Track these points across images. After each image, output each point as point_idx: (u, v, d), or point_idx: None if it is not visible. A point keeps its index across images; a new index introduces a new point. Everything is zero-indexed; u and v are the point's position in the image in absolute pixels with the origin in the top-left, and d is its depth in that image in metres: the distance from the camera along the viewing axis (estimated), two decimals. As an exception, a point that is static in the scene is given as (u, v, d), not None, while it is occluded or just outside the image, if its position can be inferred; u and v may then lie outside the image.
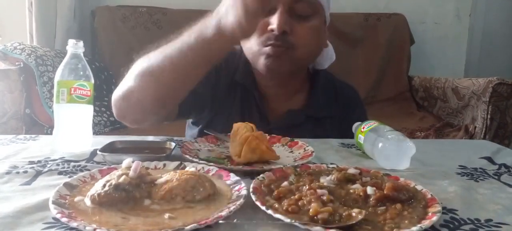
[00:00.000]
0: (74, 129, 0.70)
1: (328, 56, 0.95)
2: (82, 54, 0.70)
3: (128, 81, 0.74)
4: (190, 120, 0.97)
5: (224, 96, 0.90)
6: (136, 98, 0.72)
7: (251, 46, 0.86)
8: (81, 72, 0.69)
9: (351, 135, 0.86)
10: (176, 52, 0.67)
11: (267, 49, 0.82)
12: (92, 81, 0.71)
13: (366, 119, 0.85)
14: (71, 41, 0.69)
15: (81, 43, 0.70)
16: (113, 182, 0.46)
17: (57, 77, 0.68)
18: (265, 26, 0.81)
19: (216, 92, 0.90)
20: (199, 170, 0.57)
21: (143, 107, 0.74)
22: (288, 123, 0.89)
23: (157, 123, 0.82)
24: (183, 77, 0.69)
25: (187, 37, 0.66)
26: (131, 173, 0.48)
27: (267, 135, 0.68)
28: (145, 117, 0.78)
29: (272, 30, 0.80)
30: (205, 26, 0.64)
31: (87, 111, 0.70)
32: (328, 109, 0.93)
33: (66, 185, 0.49)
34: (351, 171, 0.55)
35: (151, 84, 0.70)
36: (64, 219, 0.41)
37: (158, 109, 0.75)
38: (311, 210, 0.43)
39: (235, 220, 0.43)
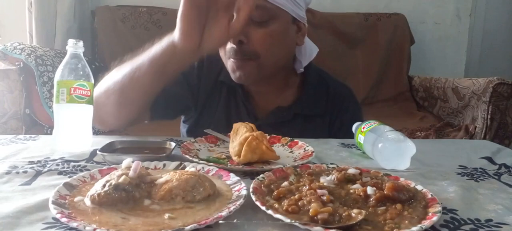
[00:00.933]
0: (74, 128, 0.70)
1: (307, 53, 0.93)
2: (82, 54, 0.70)
3: (97, 87, 0.80)
4: (182, 119, 0.99)
5: (208, 95, 0.91)
6: (102, 103, 0.78)
7: (222, 56, 0.88)
8: (81, 72, 0.69)
9: (343, 135, 0.88)
10: (137, 63, 0.74)
11: (231, 62, 0.84)
12: (92, 81, 0.71)
13: (361, 119, 0.86)
14: (71, 41, 0.69)
15: (81, 43, 0.70)
16: (113, 182, 0.46)
17: (57, 77, 0.68)
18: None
19: (199, 93, 0.91)
20: (199, 170, 0.57)
21: (107, 111, 0.79)
22: (276, 120, 0.89)
23: (127, 126, 0.87)
24: (140, 85, 0.75)
25: (148, 51, 0.73)
26: (131, 173, 0.48)
27: (267, 135, 0.68)
28: (111, 121, 0.82)
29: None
30: (162, 41, 0.71)
31: (87, 111, 0.70)
32: (318, 107, 0.93)
33: (66, 185, 0.49)
34: (351, 171, 0.54)
35: (113, 91, 0.78)
36: (64, 219, 0.41)
37: (119, 114, 0.80)
38: (311, 210, 0.43)
39: (235, 220, 0.43)
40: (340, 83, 1.01)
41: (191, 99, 0.92)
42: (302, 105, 0.91)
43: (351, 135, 0.85)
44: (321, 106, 0.93)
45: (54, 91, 0.69)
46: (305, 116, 0.91)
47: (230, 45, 0.82)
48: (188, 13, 0.65)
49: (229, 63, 0.85)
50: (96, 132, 0.80)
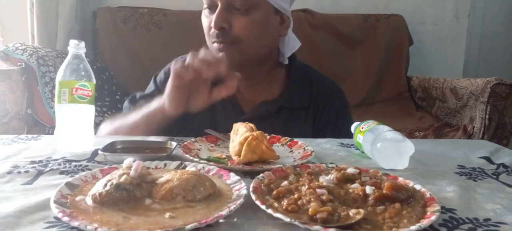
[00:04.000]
0: (75, 128, 0.71)
1: (290, 45, 0.97)
2: (83, 55, 0.70)
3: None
4: None
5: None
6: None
7: (207, 40, 0.92)
8: (83, 73, 0.69)
9: (330, 132, 0.91)
10: (133, 125, 0.86)
11: (214, 46, 0.88)
12: (94, 81, 0.71)
13: (348, 114, 0.91)
14: (73, 42, 0.69)
15: (82, 44, 0.70)
16: (114, 181, 0.47)
17: (59, 77, 0.69)
18: (210, 23, 0.87)
19: None
20: (199, 170, 0.58)
21: None
22: (262, 113, 0.91)
23: None
24: (147, 126, 0.84)
25: (140, 112, 0.85)
26: (132, 172, 0.48)
27: (266, 135, 0.69)
28: None
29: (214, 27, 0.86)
30: (153, 105, 0.83)
31: (89, 111, 0.71)
32: (302, 100, 0.95)
33: (67, 184, 0.50)
34: (350, 170, 0.55)
35: (125, 130, 0.86)
36: (65, 219, 0.41)
37: None
38: (310, 210, 0.43)
39: (235, 220, 0.44)
40: (327, 79, 1.03)
41: None
42: (286, 98, 0.93)
43: (337, 133, 0.89)
44: (305, 98, 0.95)
45: (56, 91, 0.69)
46: (289, 109, 0.93)
47: (213, 30, 0.86)
48: (176, 90, 0.76)
49: (213, 48, 0.88)
50: (97, 132, 0.81)
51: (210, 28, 0.87)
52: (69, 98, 0.68)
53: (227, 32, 0.85)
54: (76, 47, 0.69)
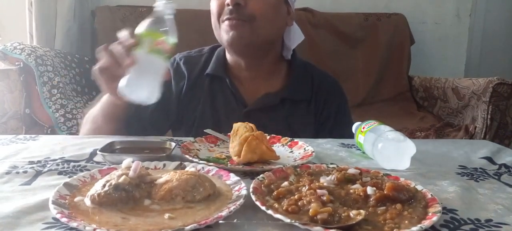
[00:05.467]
0: (146, 79, 0.68)
1: (296, 36, 0.99)
2: (170, 15, 0.69)
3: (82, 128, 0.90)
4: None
5: (189, 92, 0.94)
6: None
7: (214, 23, 0.92)
8: (167, 29, 0.68)
9: (330, 125, 0.94)
10: (94, 118, 0.85)
11: (226, 23, 0.88)
12: (176, 41, 0.69)
13: (348, 108, 0.94)
14: (161, 2, 0.68)
15: (171, 4, 0.68)
16: (113, 182, 0.46)
17: (141, 29, 0.67)
18: (223, 2, 0.87)
19: (180, 95, 0.95)
20: (199, 170, 0.57)
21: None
22: (264, 105, 0.93)
23: None
24: (106, 128, 0.84)
25: (98, 104, 0.84)
26: (131, 173, 0.48)
27: (267, 135, 0.68)
28: None
29: (228, 4, 0.86)
30: (102, 97, 0.82)
31: (163, 66, 0.69)
32: (304, 93, 0.97)
33: (66, 185, 0.49)
34: (351, 171, 0.54)
35: (89, 127, 0.86)
36: (64, 219, 0.41)
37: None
38: (311, 210, 0.43)
39: (235, 220, 0.43)
40: (327, 74, 1.05)
41: (172, 106, 0.95)
42: (288, 90, 0.95)
43: (338, 126, 0.92)
44: (307, 91, 0.97)
45: (135, 41, 0.67)
46: (292, 101, 0.95)
47: (227, 8, 0.87)
48: (99, 71, 0.73)
49: (224, 25, 0.89)
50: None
51: (221, 7, 0.88)
52: (150, 48, 0.66)
53: (241, 9, 0.86)
54: (164, 6, 0.67)
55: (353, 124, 0.80)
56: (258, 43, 0.90)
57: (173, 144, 0.71)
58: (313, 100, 0.97)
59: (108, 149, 0.68)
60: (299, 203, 0.45)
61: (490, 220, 0.47)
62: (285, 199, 0.47)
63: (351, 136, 0.81)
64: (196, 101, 0.94)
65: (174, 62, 0.98)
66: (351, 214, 0.43)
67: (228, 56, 0.97)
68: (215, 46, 1.01)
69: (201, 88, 0.95)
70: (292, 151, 0.74)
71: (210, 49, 1.01)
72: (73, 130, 1.60)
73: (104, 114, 0.83)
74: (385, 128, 0.71)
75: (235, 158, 0.64)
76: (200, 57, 0.99)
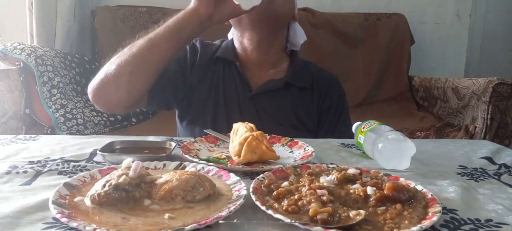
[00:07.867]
0: None
1: (301, 34, 1.05)
2: None
3: (106, 65, 0.83)
4: (177, 114, 1.02)
5: (201, 73, 0.97)
6: (113, 75, 0.81)
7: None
8: None
9: (330, 117, 0.99)
10: (155, 31, 0.83)
11: None
12: None
13: (346, 103, 0.99)
14: None
15: None
16: (113, 182, 0.46)
17: None
18: None
19: (192, 71, 0.97)
20: (199, 170, 0.57)
21: (117, 82, 0.81)
22: (269, 88, 0.97)
23: (128, 108, 0.89)
24: (158, 50, 0.82)
25: (167, 21, 0.83)
26: (131, 173, 0.48)
27: (267, 135, 0.68)
28: (118, 96, 0.83)
29: None
30: (179, 13, 0.83)
31: None
32: (305, 81, 1.01)
33: (66, 185, 0.49)
34: (351, 171, 0.54)
35: (129, 59, 0.81)
36: (64, 219, 0.41)
37: (131, 85, 0.82)
38: (311, 210, 0.43)
39: (235, 220, 0.43)
40: (325, 71, 1.10)
41: (183, 76, 0.96)
42: (291, 77, 1.00)
43: (338, 118, 0.97)
44: (307, 80, 1.02)
45: None
46: (295, 87, 0.99)
47: None
48: None
49: None
50: (96, 132, 0.79)
51: None
52: None
53: None
54: None
55: (351, 120, 0.81)
56: (273, 19, 0.94)
57: (173, 144, 0.71)
58: (315, 90, 1.01)
59: (108, 149, 0.68)
60: (299, 203, 0.45)
61: (490, 220, 0.47)
62: (285, 199, 0.47)
63: (350, 134, 0.81)
64: (207, 82, 0.97)
65: (190, 42, 1.01)
66: (351, 214, 0.43)
67: (236, 43, 1.01)
68: (223, 39, 1.05)
69: (211, 71, 0.98)
70: (292, 151, 0.74)
71: (220, 41, 1.06)
72: (73, 130, 1.60)
73: (171, 29, 0.82)
74: (385, 128, 0.71)
75: (235, 158, 0.64)
76: (212, 45, 1.04)
